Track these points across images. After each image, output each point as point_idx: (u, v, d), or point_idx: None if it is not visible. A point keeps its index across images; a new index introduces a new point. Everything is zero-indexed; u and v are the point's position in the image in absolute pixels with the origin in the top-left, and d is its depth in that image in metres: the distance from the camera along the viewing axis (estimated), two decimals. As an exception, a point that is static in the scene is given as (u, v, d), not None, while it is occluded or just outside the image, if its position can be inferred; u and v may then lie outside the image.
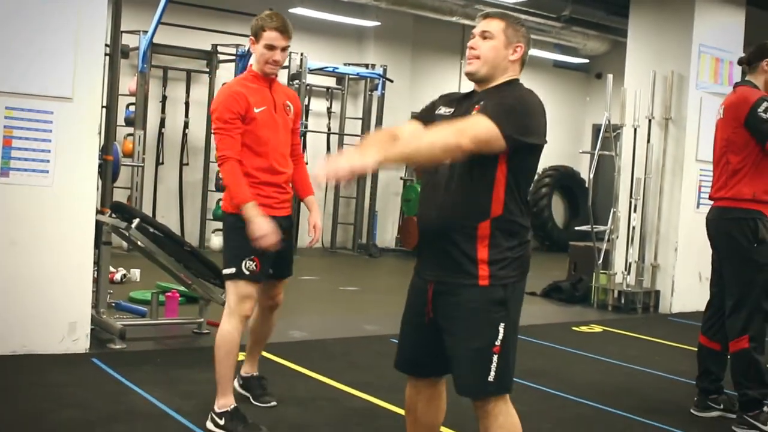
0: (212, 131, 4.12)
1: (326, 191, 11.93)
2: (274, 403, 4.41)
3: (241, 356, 4.52)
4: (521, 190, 2.92)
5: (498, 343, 2.83)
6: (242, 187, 3.93)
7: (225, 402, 4.01)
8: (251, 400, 4.43)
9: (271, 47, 4.00)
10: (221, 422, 3.97)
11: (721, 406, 4.67)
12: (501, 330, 2.84)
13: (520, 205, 2.92)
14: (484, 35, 2.97)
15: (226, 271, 4.02)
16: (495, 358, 2.82)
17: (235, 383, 4.44)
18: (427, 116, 3.08)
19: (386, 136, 2.94)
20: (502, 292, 2.86)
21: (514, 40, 2.99)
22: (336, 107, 12.36)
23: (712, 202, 4.80)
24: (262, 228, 3.83)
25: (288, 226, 4.23)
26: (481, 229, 2.86)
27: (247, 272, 3.96)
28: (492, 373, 2.81)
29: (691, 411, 4.72)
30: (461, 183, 2.87)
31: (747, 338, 4.44)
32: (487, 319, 2.85)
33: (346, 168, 2.55)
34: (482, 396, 2.85)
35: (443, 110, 3.02)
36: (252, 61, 4.21)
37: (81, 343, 5.23)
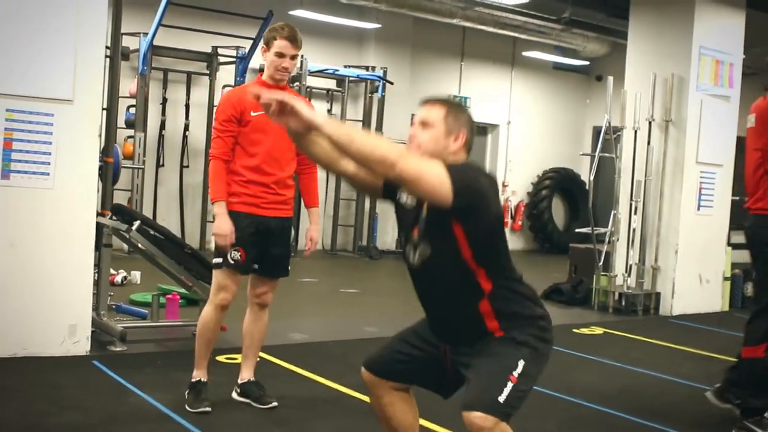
0: None
1: (326, 192, 11.93)
2: (275, 404, 4.41)
3: (238, 358, 4.54)
4: (498, 262, 2.93)
5: (516, 374, 2.80)
6: (219, 185, 4.25)
7: (193, 374, 4.37)
8: (252, 403, 4.42)
9: (281, 55, 4.24)
10: (186, 393, 4.37)
11: (738, 402, 4.55)
12: (520, 365, 2.82)
13: (508, 276, 2.94)
14: (424, 124, 2.92)
15: (214, 261, 4.34)
16: (510, 384, 2.77)
17: (233, 393, 4.51)
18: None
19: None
20: (523, 336, 2.88)
21: (455, 128, 2.92)
22: (336, 109, 12.35)
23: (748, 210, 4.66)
24: (221, 227, 4.20)
25: (279, 227, 4.38)
26: (483, 307, 2.90)
27: (231, 261, 4.25)
28: (504, 395, 2.75)
29: (706, 394, 4.63)
30: (442, 277, 2.93)
31: (765, 347, 4.40)
32: (507, 352, 2.85)
33: (289, 103, 2.62)
34: (489, 410, 2.70)
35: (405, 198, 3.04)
36: (264, 68, 4.41)
37: (81, 345, 5.22)
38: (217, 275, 4.34)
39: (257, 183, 4.27)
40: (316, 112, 2.68)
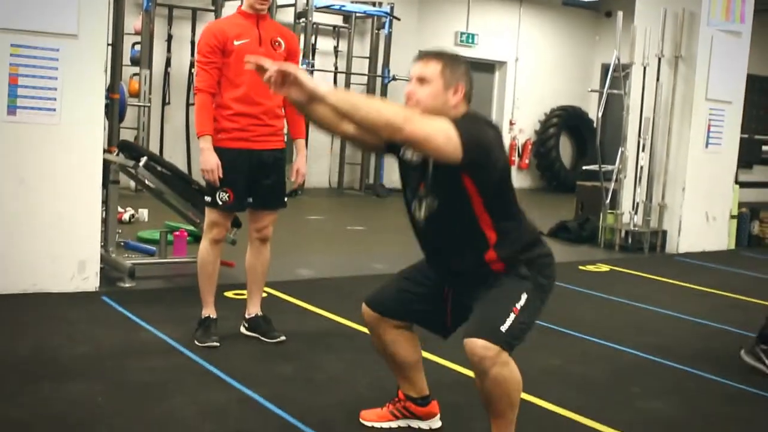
0: None
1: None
2: (283, 338, 4.45)
3: (244, 294, 4.58)
4: (506, 207, 2.94)
5: (518, 306, 2.84)
6: (205, 119, 4.19)
7: (201, 312, 4.43)
8: (260, 338, 4.47)
9: None
10: (195, 329, 4.41)
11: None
12: (523, 298, 2.86)
13: (512, 217, 2.96)
14: (421, 80, 2.88)
15: (205, 198, 4.35)
16: (512, 315, 2.81)
17: (241, 328, 4.56)
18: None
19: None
20: (526, 271, 2.91)
21: (453, 81, 2.88)
22: (343, 46, 12.25)
23: None
24: (207, 162, 4.17)
25: (272, 159, 4.35)
26: (489, 257, 2.92)
27: (220, 202, 4.27)
28: (506, 325, 2.78)
29: (741, 353, 4.53)
30: (449, 231, 2.95)
31: None
32: (511, 285, 2.89)
33: (291, 73, 2.63)
34: (491, 337, 2.73)
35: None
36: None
37: (91, 282, 5.27)
38: (208, 212, 4.36)
39: (246, 115, 4.22)
40: (318, 81, 2.67)
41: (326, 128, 3.04)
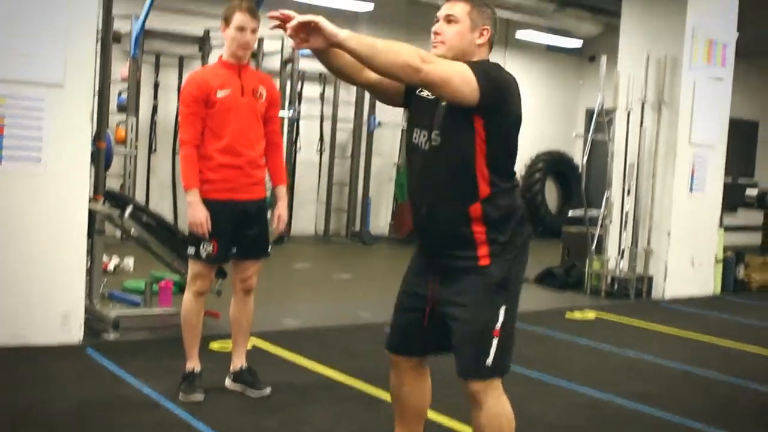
0: None
1: (319, 177, 11.91)
2: (268, 390, 4.41)
3: (229, 346, 4.54)
4: (506, 165, 2.93)
5: (498, 326, 2.87)
6: (191, 173, 4.19)
7: (186, 365, 4.37)
8: (245, 392, 4.42)
9: (242, 29, 4.21)
10: (180, 382, 4.35)
11: None
12: (501, 314, 2.88)
13: (508, 181, 2.93)
14: (449, 19, 2.93)
15: (188, 251, 4.32)
16: (494, 341, 2.85)
17: (227, 381, 4.51)
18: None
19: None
20: (503, 271, 2.89)
21: (479, 23, 2.94)
22: (329, 92, 12.30)
23: None
24: (196, 216, 4.15)
25: (255, 209, 4.35)
26: (474, 212, 2.88)
27: (203, 254, 4.25)
28: (490, 357, 2.85)
29: None
30: (445, 170, 2.90)
31: None
32: (489, 302, 2.89)
33: (312, 20, 2.65)
34: (478, 378, 2.88)
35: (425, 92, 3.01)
36: (224, 49, 4.38)
37: (75, 334, 5.21)
38: (192, 264, 4.32)
39: (230, 166, 4.21)
40: (337, 27, 2.69)
41: (348, 76, 3.05)
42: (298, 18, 2.69)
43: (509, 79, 2.91)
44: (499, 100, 2.82)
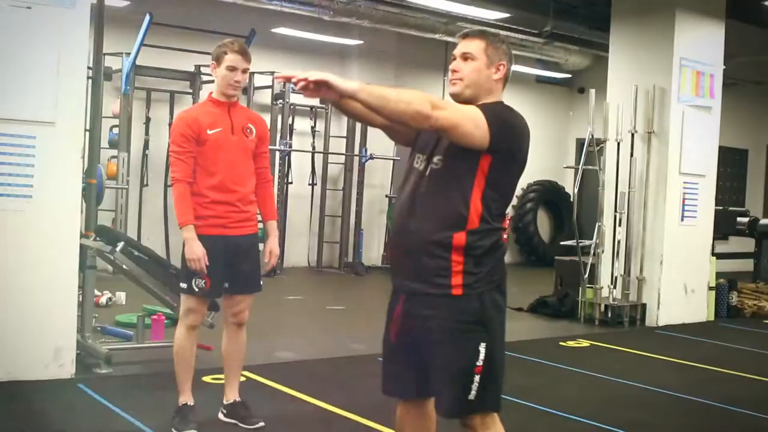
0: None
1: (311, 209, 11.93)
2: (261, 424, 4.39)
3: (222, 379, 4.53)
4: (499, 205, 2.91)
5: (480, 363, 2.80)
6: (185, 209, 4.20)
7: (179, 399, 4.34)
8: (239, 424, 4.40)
9: (233, 69, 4.24)
10: (173, 417, 4.32)
11: None
12: (482, 350, 2.81)
13: (497, 221, 2.91)
14: (465, 57, 2.97)
15: (180, 285, 4.32)
16: (477, 378, 2.79)
17: (220, 414, 4.49)
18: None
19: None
20: (478, 305, 2.83)
21: (495, 59, 2.98)
22: (320, 126, 12.36)
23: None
24: (193, 252, 4.15)
25: (247, 244, 4.37)
26: (457, 240, 2.84)
27: (196, 289, 4.25)
28: (473, 392, 2.79)
29: None
30: (439, 192, 2.88)
31: None
32: (466, 340, 2.82)
33: (322, 79, 2.68)
34: (463, 414, 2.84)
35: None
36: (213, 86, 4.42)
37: (67, 369, 5.19)
38: (184, 299, 4.33)
39: (222, 202, 4.24)
40: (347, 79, 2.74)
41: (363, 120, 3.20)
42: (309, 78, 2.70)
43: (521, 123, 2.93)
44: (509, 145, 2.86)
